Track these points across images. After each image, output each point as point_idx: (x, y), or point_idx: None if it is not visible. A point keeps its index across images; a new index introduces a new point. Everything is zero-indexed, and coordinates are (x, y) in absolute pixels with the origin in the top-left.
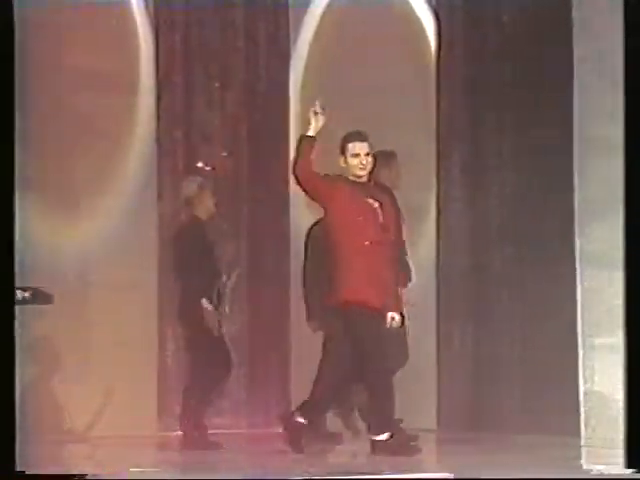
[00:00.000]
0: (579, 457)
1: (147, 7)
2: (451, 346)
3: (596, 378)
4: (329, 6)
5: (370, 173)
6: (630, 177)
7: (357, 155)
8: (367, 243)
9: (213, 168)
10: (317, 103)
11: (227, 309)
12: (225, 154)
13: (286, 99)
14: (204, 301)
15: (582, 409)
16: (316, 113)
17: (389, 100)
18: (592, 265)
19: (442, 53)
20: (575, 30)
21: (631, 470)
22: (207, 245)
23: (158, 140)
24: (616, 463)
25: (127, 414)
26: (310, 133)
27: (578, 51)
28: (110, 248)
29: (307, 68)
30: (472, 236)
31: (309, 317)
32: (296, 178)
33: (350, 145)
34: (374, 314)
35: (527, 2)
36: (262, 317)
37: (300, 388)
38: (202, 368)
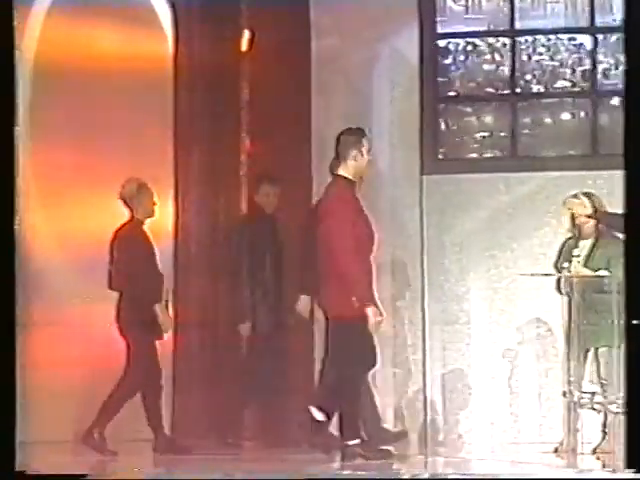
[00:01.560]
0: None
1: None
2: (188, 351)
3: None
4: (53, 4)
5: None
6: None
7: (367, 152)
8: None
9: None
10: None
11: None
12: None
13: (12, 104)
14: (157, 307)
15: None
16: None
17: (127, 99)
18: None
19: (179, 47)
20: (313, 30)
21: (630, 470)
22: (148, 246)
23: None
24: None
25: None
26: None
27: (317, 50)
28: None
29: (35, 70)
30: (211, 235)
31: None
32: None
33: (365, 140)
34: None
35: None
36: None
37: None
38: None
